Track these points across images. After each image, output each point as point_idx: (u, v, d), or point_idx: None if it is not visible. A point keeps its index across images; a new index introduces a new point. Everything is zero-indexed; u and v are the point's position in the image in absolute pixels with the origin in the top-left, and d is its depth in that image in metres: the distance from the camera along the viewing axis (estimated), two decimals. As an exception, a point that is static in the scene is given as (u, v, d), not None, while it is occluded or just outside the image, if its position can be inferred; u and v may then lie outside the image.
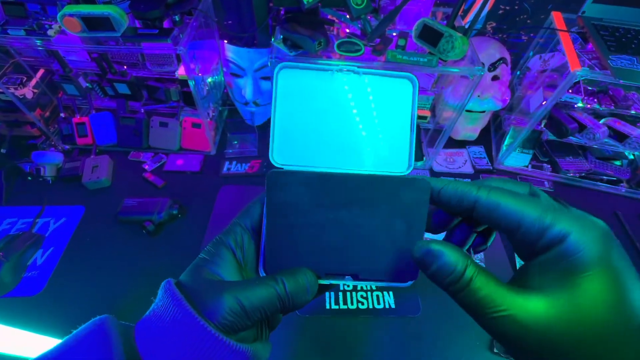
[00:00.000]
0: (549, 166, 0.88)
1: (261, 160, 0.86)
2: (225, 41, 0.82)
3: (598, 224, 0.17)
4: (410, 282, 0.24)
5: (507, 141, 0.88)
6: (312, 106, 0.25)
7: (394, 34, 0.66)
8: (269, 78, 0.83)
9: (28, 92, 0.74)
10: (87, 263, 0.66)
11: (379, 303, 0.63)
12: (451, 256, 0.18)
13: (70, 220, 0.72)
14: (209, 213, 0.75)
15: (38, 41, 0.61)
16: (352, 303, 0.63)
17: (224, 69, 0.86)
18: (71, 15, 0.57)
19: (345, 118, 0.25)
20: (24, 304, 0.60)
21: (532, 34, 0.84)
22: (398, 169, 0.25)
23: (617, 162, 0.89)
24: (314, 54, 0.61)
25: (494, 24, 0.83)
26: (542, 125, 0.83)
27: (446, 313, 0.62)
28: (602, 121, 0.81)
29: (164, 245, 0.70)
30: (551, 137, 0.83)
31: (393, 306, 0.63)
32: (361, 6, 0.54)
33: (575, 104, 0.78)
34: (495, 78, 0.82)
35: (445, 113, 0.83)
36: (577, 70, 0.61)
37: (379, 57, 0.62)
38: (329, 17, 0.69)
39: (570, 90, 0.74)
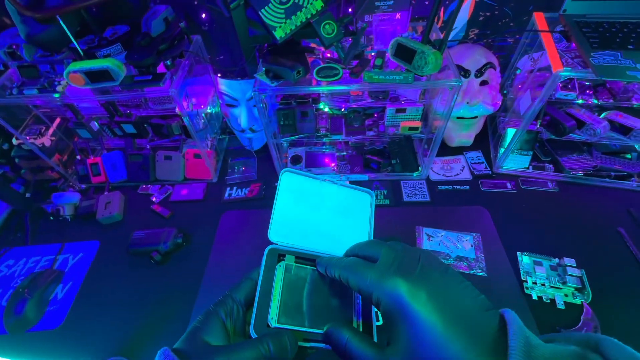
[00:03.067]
0: (552, 166, 0.86)
1: (260, 183, 0.90)
2: (219, 75, 0.87)
3: (395, 284, 0.23)
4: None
5: (504, 144, 0.86)
6: (303, 202, 0.35)
7: (372, 54, 0.68)
8: (261, 105, 0.87)
9: (46, 140, 0.82)
10: (102, 295, 0.71)
11: (377, 319, 0.63)
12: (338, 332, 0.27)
13: (86, 255, 0.78)
14: (212, 239, 0.78)
15: (56, 95, 0.68)
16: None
17: (220, 101, 0.92)
18: (75, 71, 0.64)
19: (326, 213, 0.35)
20: (47, 337, 0.65)
21: (518, 36, 0.84)
22: None
23: (628, 156, 0.85)
24: (294, 83, 0.64)
25: (477, 31, 0.83)
26: (539, 125, 0.81)
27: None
28: (603, 115, 0.78)
29: (171, 273, 0.73)
30: (552, 136, 0.81)
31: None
32: (331, 35, 0.57)
33: (574, 100, 0.77)
34: (484, 83, 0.82)
35: (436, 122, 0.83)
36: (560, 71, 0.60)
37: (357, 78, 0.64)
38: (311, 44, 0.73)
39: (563, 89, 0.73)
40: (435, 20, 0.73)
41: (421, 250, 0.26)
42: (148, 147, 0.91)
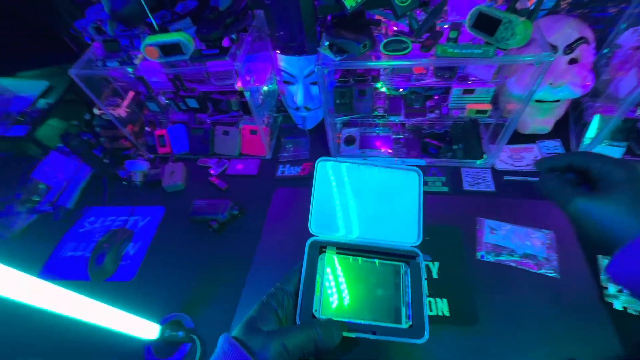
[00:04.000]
0: (650, 160, 0.73)
1: (312, 162, 0.89)
2: (278, 51, 0.87)
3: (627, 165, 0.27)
4: (425, 339, 0.29)
5: (590, 133, 0.76)
6: (343, 189, 0.34)
7: (445, 26, 0.62)
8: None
9: (122, 111, 0.89)
10: (166, 256, 0.77)
11: (430, 310, 0.60)
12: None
13: (153, 219, 0.85)
14: (265, 213, 0.81)
15: (129, 69, 0.74)
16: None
17: (277, 78, 0.92)
18: (150, 45, 0.67)
19: (368, 199, 0.33)
20: (121, 287, 0.73)
21: (623, 5, 0.71)
22: (409, 240, 0.33)
23: None
24: (360, 57, 0.61)
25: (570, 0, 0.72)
26: (639, 112, 0.69)
27: (509, 323, 0.57)
28: None
29: (226, 241, 0.77)
30: (653, 125, 0.69)
31: (447, 314, 0.60)
32: (405, 3, 0.53)
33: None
34: (573, 61, 0.71)
35: (509, 105, 0.75)
36: (684, 44, 0.49)
37: (427, 52, 0.59)
38: (376, 17, 0.69)
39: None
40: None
41: None
42: (208, 121, 0.95)
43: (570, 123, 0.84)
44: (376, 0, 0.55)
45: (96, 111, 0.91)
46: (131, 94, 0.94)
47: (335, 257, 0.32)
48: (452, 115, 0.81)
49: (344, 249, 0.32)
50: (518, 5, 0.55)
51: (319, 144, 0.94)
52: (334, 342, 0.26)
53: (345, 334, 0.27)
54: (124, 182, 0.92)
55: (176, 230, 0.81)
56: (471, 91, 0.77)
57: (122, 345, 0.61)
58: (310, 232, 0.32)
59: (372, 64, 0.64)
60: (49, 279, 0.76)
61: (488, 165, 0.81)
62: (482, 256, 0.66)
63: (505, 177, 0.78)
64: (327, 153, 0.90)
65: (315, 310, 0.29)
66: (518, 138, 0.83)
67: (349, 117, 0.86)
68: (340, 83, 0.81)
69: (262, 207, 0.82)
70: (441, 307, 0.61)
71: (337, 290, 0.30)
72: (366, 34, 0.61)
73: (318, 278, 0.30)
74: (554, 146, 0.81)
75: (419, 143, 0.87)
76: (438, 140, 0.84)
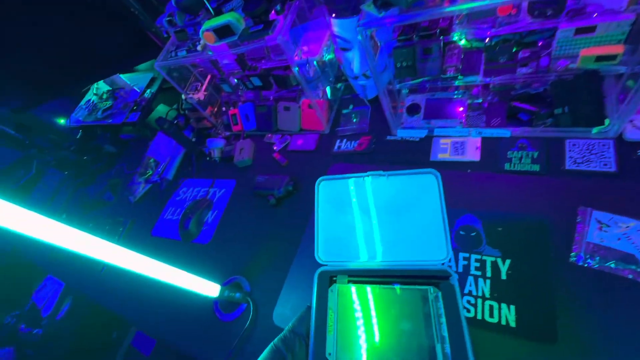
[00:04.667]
0: None
1: (370, 137, 0.83)
2: (333, 16, 0.80)
3: None
4: None
5: None
6: (351, 209, 0.30)
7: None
8: (375, 46, 0.76)
9: (201, 95, 1.00)
10: (234, 225, 0.87)
11: (491, 316, 0.50)
12: None
13: (228, 191, 0.95)
14: (319, 190, 0.80)
15: (200, 49, 0.80)
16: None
17: (334, 46, 0.85)
18: (207, 30, 0.71)
19: (381, 216, 0.29)
20: (202, 248, 0.86)
21: None
22: (436, 257, 0.26)
23: None
24: (407, 9, 0.50)
25: None
26: None
27: (607, 352, 0.42)
28: None
29: (282, 215, 0.81)
30: None
31: (513, 324, 0.48)
32: None
33: None
34: None
35: (657, 44, 0.50)
36: None
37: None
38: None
39: None
40: None
41: None
42: (271, 98, 0.98)
43: None
44: None
45: (183, 96, 1.05)
46: (208, 77, 1.04)
47: (347, 288, 0.28)
48: (556, 68, 0.60)
49: (359, 276, 0.28)
50: None
51: (381, 115, 0.85)
52: None
53: None
54: (207, 158, 1.06)
55: (243, 202, 0.90)
56: (591, 29, 0.55)
57: (198, 299, 0.74)
58: (318, 261, 0.29)
59: (431, 12, 0.52)
60: (158, 236, 0.96)
61: (611, 135, 0.58)
62: (579, 259, 0.50)
63: (640, 152, 0.55)
64: (387, 125, 0.81)
65: (329, 354, 0.25)
66: (673, 92, 0.56)
67: (413, 82, 0.74)
68: (401, 42, 0.70)
69: (317, 183, 0.82)
70: (505, 314, 0.50)
71: (353, 327, 0.26)
72: (419, -23, 0.49)
73: (330, 314, 0.26)
74: None
75: (504, 108, 0.68)
76: (532, 104, 0.64)
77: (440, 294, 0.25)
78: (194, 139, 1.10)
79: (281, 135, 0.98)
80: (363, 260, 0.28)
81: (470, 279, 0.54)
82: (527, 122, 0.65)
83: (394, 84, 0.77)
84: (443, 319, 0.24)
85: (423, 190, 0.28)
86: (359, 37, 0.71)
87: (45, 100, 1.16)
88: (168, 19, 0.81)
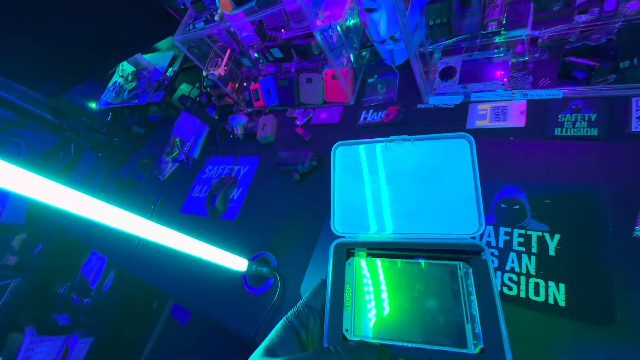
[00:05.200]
0: None
1: (398, 106, 0.77)
2: (357, -28, 0.73)
3: None
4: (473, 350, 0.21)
5: None
6: (370, 177, 0.27)
7: None
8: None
9: (221, 70, 0.98)
10: (259, 201, 0.86)
11: (537, 294, 0.46)
12: None
13: (252, 168, 0.95)
14: (345, 164, 0.77)
15: (220, 22, 0.77)
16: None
17: (358, 7, 0.79)
18: (223, -3, 0.68)
19: (403, 185, 0.26)
20: (229, 225, 0.87)
21: None
22: (466, 230, 0.24)
23: None
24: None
25: None
26: None
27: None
28: None
29: (307, 190, 0.79)
30: None
31: (562, 304, 0.44)
32: None
33: None
34: None
35: None
36: None
37: None
38: None
39: None
40: None
41: None
42: (293, 70, 0.94)
43: None
44: None
45: (204, 73, 1.03)
46: (228, 52, 1.01)
47: (366, 261, 0.25)
48: (622, 12, 0.51)
49: (379, 249, 0.26)
50: None
51: (410, 81, 0.79)
52: None
53: None
54: (230, 135, 1.05)
55: (267, 178, 0.89)
56: (673, -40, 0.45)
57: (228, 273, 0.75)
58: (335, 232, 0.27)
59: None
60: (187, 213, 0.98)
61: (691, 90, 0.49)
62: (645, 234, 0.44)
63: None
64: (417, 92, 0.75)
65: (347, 330, 0.23)
66: None
67: (447, 42, 0.67)
68: (433, -4, 0.62)
69: (342, 157, 0.79)
70: (554, 292, 0.45)
71: (375, 302, 0.24)
72: None
73: (347, 288, 0.25)
74: None
75: (555, 66, 0.60)
76: (590, 58, 0.56)
77: (470, 270, 0.23)
78: (216, 117, 1.10)
79: (304, 109, 0.95)
80: (384, 232, 0.26)
81: (513, 255, 0.50)
82: (584, 80, 0.57)
83: (426, 46, 0.70)
84: (473, 297, 0.22)
85: (454, 157, 0.25)
86: (387, -7, 0.64)
87: (75, 83, 1.19)
88: (184, -11, 0.78)
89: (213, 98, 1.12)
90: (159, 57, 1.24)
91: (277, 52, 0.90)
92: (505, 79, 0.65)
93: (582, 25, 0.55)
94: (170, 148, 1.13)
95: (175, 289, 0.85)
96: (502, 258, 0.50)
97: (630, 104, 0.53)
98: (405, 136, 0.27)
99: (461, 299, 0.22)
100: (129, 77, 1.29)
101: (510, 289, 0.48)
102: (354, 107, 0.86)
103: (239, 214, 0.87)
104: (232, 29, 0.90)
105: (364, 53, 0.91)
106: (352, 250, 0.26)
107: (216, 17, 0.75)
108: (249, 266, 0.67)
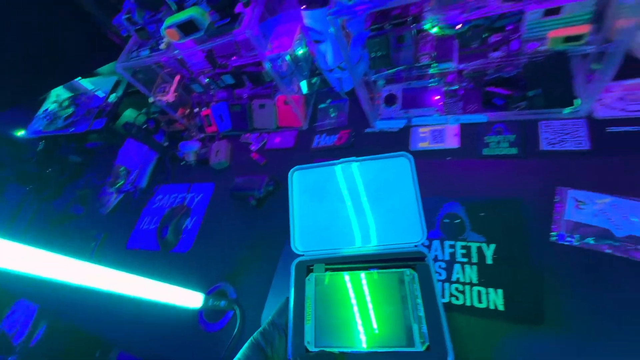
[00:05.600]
0: None
1: (349, 130, 0.81)
2: (303, 7, 0.77)
3: None
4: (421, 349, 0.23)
5: None
6: (325, 197, 0.30)
7: None
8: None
9: (170, 97, 0.95)
10: (215, 229, 0.83)
11: (480, 301, 0.50)
12: None
13: (206, 195, 0.91)
14: (301, 188, 0.78)
15: (163, 48, 0.76)
16: (442, 296, 0.53)
17: (307, 39, 0.83)
18: (169, 26, 0.67)
19: (356, 202, 0.29)
20: (182, 257, 0.82)
21: None
22: (412, 239, 0.27)
23: None
24: (377, -6, 0.48)
25: None
26: None
27: (586, 329, 0.43)
28: None
29: (265, 216, 0.79)
30: None
31: (501, 309, 0.49)
32: None
33: None
34: None
35: (620, 21, 0.51)
36: None
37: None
38: None
39: None
40: None
41: None
42: (245, 96, 0.94)
43: None
44: None
45: (150, 99, 0.99)
46: (177, 78, 0.99)
47: (325, 276, 0.27)
48: (526, 51, 0.61)
49: (336, 263, 0.28)
50: None
51: (359, 107, 0.84)
52: None
53: None
54: (182, 162, 1.01)
55: (223, 205, 0.87)
56: (556, 11, 0.55)
57: (182, 311, 0.70)
58: (295, 252, 0.29)
59: (395, 1, 0.51)
60: (134, 248, 0.91)
61: (582, 114, 0.60)
62: (560, 238, 0.51)
63: (610, 129, 0.57)
64: (365, 117, 0.80)
65: (308, 342, 0.25)
66: (634, 69, 0.58)
67: (387, 72, 0.73)
68: (373, 32, 0.68)
69: (298, 181, 0.80)
70: (494, 299, 0.50)
71: (332, 314, 0.26)
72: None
73: (308, 303, 0.26)
74: None
75: (479, 94, 0.69)
76: (505, 88, 0.65)
77: (416, 275, 0.25)
78: (166, 144, 1.05)
79: (258, 134, 0.95)
80: (340, 247, 0.28)
81: (457, 266, 0.54)
82: (502, 106, 0.66)
83: (370, 75, 0.76)
84: (419, 300, 0.25)
85: (396, 174, 0.28)
86: (331, 28, 0.69)
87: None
88: (126, 16, 0.76)
89: (162, 124, 1.08)
90: (101, 82, 1.17)
91: (228, 79, 0.91)
92: (440, 105, 0.72)
93: (496, 61, 0.64)
94: (114, 178, 1.05)
95: (122, 335, 0.77)
96: (449, 270, 0.54)
97: (539, 127, 0.62)
98: (354, 158, 0.30)
99: (409, 303, 0.25)
100: (65, 104, 1.19)
101: (457, 298, 0.51)
102: (308, 131, 0.88)
103: (193, 244, 0.83)
104: (179, 57, 0.89)
105: (314, 80, 0.95)
106: (311, 267, 0.28)
107: (162, 46, 0.74)
108: (205, 301, 0.64)
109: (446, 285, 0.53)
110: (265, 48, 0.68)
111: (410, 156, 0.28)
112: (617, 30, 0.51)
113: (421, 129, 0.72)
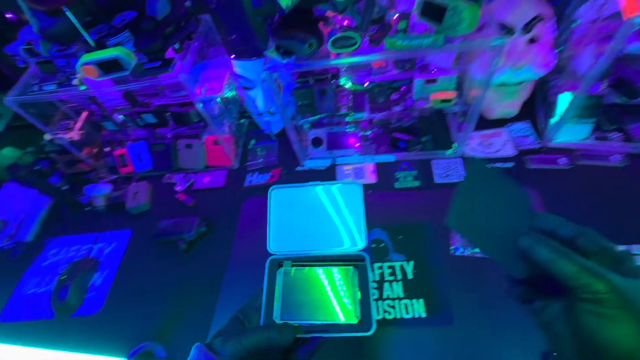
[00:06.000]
0: (620, 135, 0.72)
1: (281, 168, 0.86)
2: (233, 56, 0.83)
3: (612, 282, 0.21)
4: (371, 331, 0.32)
5: (558, 112, 0.74)
6: (296, 210, 0.37)
7: (395, 17, 0.59)
8: (277, 86, 0.82)
9: (75, 134, 0.84)
10: (135, 282, 0.74)
11: (407, 312, 0.58)
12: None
13: (120, 244, 0.81)
14: (235, 226, 0.78)
15: (79, 85, 0.68)
16: (377, 313, 0.59)
17: (236, 84, 0.88)
18: (87, 63, 0.63)
19: (319, 214, 0.37)
20: (88, 322, 0.69)
21: (578, -23, 0.69)
22: (357, 246, 0.36)
23: None
24: (308, 57, 0.58)
25: (525, -24, 0.69)
26: (604, 87, 0.68)
27: (484, 322, 0.55)
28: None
29: (196, 261, 0.74)
30: (620, 99, 0.67)
31: (424, 315, 0.58)
32: (345, -3, 0.49)
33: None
34: (532, 41, 0.69)
35: (473, 91, 0.73)
36: (634, 17, 0.47)
37: (377, 47, 0.56)
38: (326, 13, 0.65)
39: (633, 41, 0.59)
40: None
41: None
42: (169, 135, 0.91)
43: (537, 103, 0.82)
44: (315, -4, 0.52)
45: (47, 137, 0.86)
46: (84, 115, 0.89)
47: (291, 270, 0.36)
48: (417, 107, 0.79)
49: (302, 261, 0.36)
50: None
51: (288, 148, 0.91)
52: (287, 341, 0.30)
53: (299, 335, 0.31)
54: (86, 208, 0.88)
55: (144, 254, 0.78)
56: (433, 80, 0.74)
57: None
58: (269, 252, 0.36)
59: (319, 63, 0.61)
60: (13, 321, 0.72)
61: (458, 155, 0.79)
62: (456, 250, 0.65)
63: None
64: (295, 157, 0.87)
65: (275, 318, 0.33)
66: (487, 124, 0.81)
67: (315, 117, 0.83)
68: (300, 84, 0.78)
69: (232, 219, 0.79)
70: (417, 308, 0.59)
71: (295, 298, 0.34)
72: (313, 32, 0.58)
73: (277, 289, 0.34)
74: (523, 128, 0.79)
75: (388, 138, 0.84)
76: (406, 134, 0.82)
77: (357, 271, 0.35)
78: (64, 187, 0.90)
79: (184, 174, 0.91)
80: (304, 249, 0.36)
81: (387, 285, 0.62)
82: (405, 148, 0.82)
83: (297, 120, 0.84)
84: (357, 289, 0.34)
85: (350, 196, 0.37)
86: (264, 78, 0.76)
87: None
88: (27, 47, 0.67)
89: (59, 165, 0.93)
90: (-33, 115, 0.95)
91: (150, 118, 0.87)
92: (358, 147, 0.85)
93: (397, 113, 0.81)
94: (-17, 233, 0.83)
95: None
96: (380, 289, 0.62)
97: (432, 164, 0.79)
98: (319, 182, 0.38)
99: (350, 291, 0.34)
100: None
101: (389, 313, 0.59)
102: (238, 170, 0.90)
103: (104, 304, 0.71)
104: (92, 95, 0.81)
105: (242, 121, 0.99)
106: (281, 263, 0.36)
107: (75, 82, 0.68)
108: (128, 367, 0.55)
109: (380, 303, 0.60)
110: (195, 91, 0.70)
111: (360, 184, 0.37)
112: (471, 97, 0.73)
113: (345, 167, 0.83)
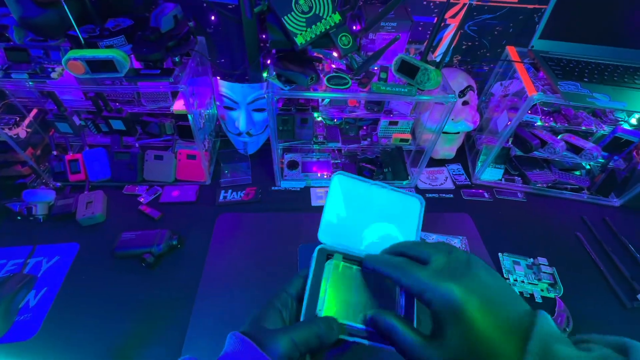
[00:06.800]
0: (520, 178, 0.97)
1: (256, 187, 0.89)
2: (218, 77, 0.87)
3: (449, 288, 0.24)
4: None
5: (481, 158, 0.97)
6: (352, 204, 0.35)
7: (376, 68, 0.74)
8: (261, 110, 0.89)
9: (22, 131, 0.75)
10: (84, 302, 0.64)
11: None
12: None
13: (64, 259, 0.70)
14: (208, 241, 0.76)
15: (55, 77, 0.63)
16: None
17: (217, 103, 0.91)
18: (76, 59, 0.61)
19: (374, 216, 0.35)
20: (19, 349, 0.57)
21: (492, 65, 0.96)
22: None
23: (577, 172, 1.00)
24: (306, 88, 0.67)
25: (460, 57, 0.94)
26: (510, 142, 0.92)
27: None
28: (559, 137, 0.92)
29: (163, 277, 0.69)
30: (519, 152, 0.92)
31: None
32: (348, 46, 0.62)
33: (535, 122, 0.89)
34: (465, 103, 0.92)
35: (424, 135, 0.91)
36: (534, 95, 0.70)
37: (364, 89, 0.69)
38: (315, 54, 0.77)
39: (529, 111, 0.85)
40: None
41: (468, 253, 0.27)
42: (137, 145, 0.87)
43: (466, 150, 1.06)
44: (323, 41, 0.63)
45: (-20, 130, 0.73)
46: (34, 111, 0.80)
47: (340, 264, 0.33)
48: (381, 143, 0.94)
49: (349, 259, 0.33)
50: (428, 58, 0.70)
51: (260, 168, 0.95)
52: (333, 339, 0.27)
53: (343, 336, 0.28)
54: (18, 217, 0.75)
55: (96, 270, 0.69)
56: (395, 123, 0.91)
57: None
58: (319, 240, 0.34)
59: (319, 94, 0.71)
60: None
61: (412, 185, 0.95)
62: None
63: (427, 195, 0.93)
64: (270, 177, 0.91)
65: (319, 311, 0.29)
66: (431, 162, 1.00)
67: (294, 142, 0.90)
68: (283, 111, 0.86)
69: (203, 235, 0.77)
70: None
71: (340, 295, 0.31)
72: (311, 69, 0.68)
73: (324, 282, 0.31)
74: (457, 168, 1.00)
75: (355, 167, 0.96)
76: (371, 165, 0.95)
77: None
78: (-9, 191, 0.76)
79: (149, 186, 0.87)
80: (352, 247, 0.34)
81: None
82: (370, 177, 0.94)
83: (278, 143, 0.90)
84: (402, 297, 0.32)
85: (408, 209, 0.36)
86: (249, 101, 0.82)
87: None
88: (-5, 30, 0.61)
89: (-15, 165, 0.79)
90: None
91: (118, 125, 0.83)
92: (329, 172, 0.94)
93: (364, 146, 0.94)
94: None
95: None
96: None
97: (392, 192, 0.92)
98: (385, 185, 0.36)
99: (395, 300, 0.32)
100: None
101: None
102: (211, 186, 0.89)
103: (41, 326, 0.60)
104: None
105: (215, 139, 1.00)
106: (330, 255, 0.33)
107: (54, 75, 0.63)
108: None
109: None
110: (192, 104, 0.72)
111: (422, 199, 0.36)
112: (423, 140, 0.91)
113: (318, 189, 0.91)
